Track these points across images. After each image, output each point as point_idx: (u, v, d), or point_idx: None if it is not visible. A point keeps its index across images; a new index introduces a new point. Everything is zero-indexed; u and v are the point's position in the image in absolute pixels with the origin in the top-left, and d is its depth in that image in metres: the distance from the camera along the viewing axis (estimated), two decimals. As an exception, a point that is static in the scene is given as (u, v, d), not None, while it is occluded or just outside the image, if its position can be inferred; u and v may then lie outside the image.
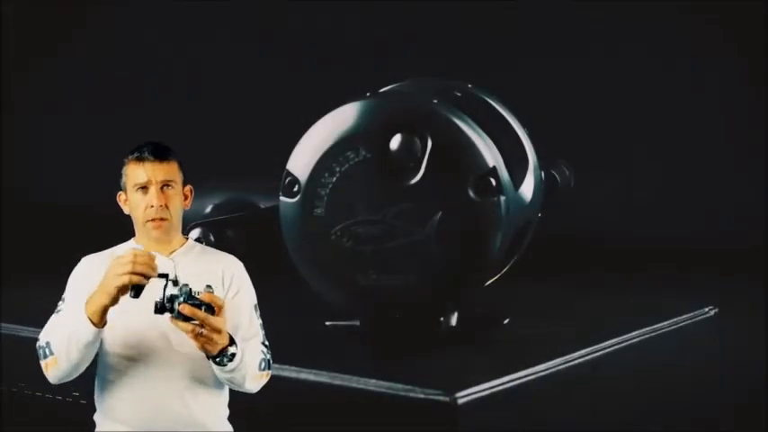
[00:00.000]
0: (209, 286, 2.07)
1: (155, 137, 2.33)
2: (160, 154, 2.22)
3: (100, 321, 2.09)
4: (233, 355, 2.10)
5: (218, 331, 2.06)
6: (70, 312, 2.16)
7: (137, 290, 2.06)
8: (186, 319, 2.03)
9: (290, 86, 4.81)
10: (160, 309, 2.05)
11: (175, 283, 2.06)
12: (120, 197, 2.27)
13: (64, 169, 4.57)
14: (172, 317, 2.05)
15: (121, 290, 2.06)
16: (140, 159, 2.21)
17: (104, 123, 4.65)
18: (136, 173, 2.21)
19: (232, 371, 2.12)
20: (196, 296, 2.04)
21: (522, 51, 4.45)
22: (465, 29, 4.68)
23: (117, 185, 2.27)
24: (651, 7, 4.53)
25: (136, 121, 4.58)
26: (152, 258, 2.07)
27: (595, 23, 4.55)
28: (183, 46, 4.69)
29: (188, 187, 2.28)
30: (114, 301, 2.07)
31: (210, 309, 2.05)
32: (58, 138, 4.63)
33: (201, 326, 2.04)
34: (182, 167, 2.26)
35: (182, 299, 2.03)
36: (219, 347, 2.08)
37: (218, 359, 2.10)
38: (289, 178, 3.38)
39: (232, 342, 2.10)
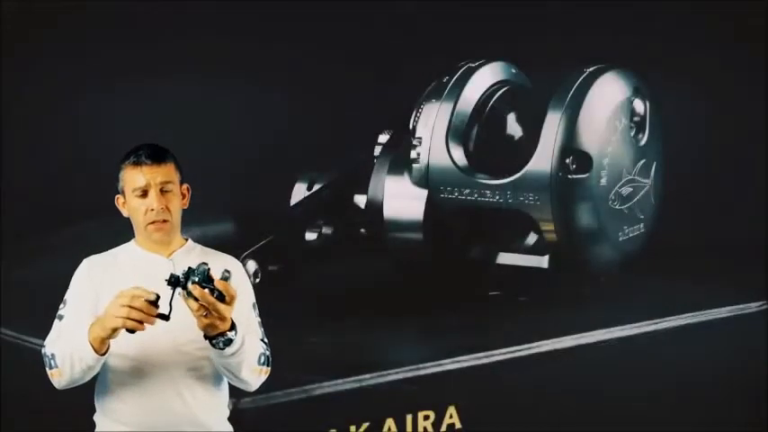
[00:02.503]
0: (227, 271, 2.07)
1: (156, 136, 2.33)
2: (157, 156, 2.22)
3: (100, 349, 2.11)
4: (230, 340, 2.10)
5: (223, 319, 2.07)
6: (73, 318, 2.17)
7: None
8: (196, 297, 2.04)
9: (293, 87, 4.81)
10: (174, 282, 2.04)
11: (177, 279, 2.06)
12: (119, 200, 2.27)
13: (64, 169, 4.57)
14: (183, 293, 2.04)
15: (118, 330, 2.07)
16: (137, 163, 2.21)
17: (105, 123, 4.65)
18: (134, 178, 2.21)
19: (229, 356, 2.12)
20: (211, 279, 2.04)
21: (522, 50, 4.44)
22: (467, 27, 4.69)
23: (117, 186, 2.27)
24: (651, 6, 4.53)
25: (136, 120, 4.58)
26: (150, 306, 2.05)
27: (595, 22, 4.55)
28: (184, 45, 4.68)
29: (185, 186, 2.28)
30: (112, 336, 2.08)
31: (221, 296, 2.05)
32: (58, 137, 4.62)
33: (208, 309, 2.04)
34: (178, 167, 2.26)
35: (196, 278, 2.03)
36: (219, 331, 2.08)
37: (214, 341, 2.10)
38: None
39: (233, 328, 2.10)
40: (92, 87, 4.64)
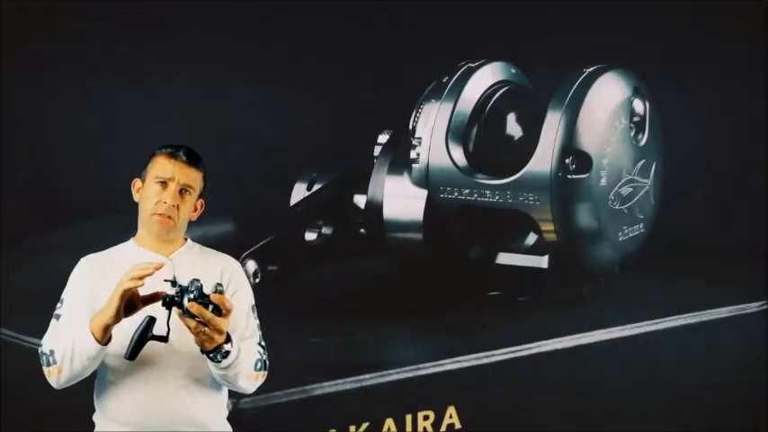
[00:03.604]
0: (219, 284, 2.08)
1: (156, 137, 2.33)
2: (192, 159, 2.25)
3: (102, 338, 2.11)
4: (227, 352, 2.12)
5: (221, 332, 2.08)
6: (70, 317, 2.17)
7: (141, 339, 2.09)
8: (193, 315, 2.04)
9: (293, 87, 4.81)
10: (169, 303, 2.06)
11: (173, 283, 2.07)
12: (135, 184, 2.29)
13: (64, 169, 4.57)
14: (179, 312, 2.06)
15: (125, 298, 2.07)
16: (173, 156, 2.24)
17: (105, 123, 4.65)
18: (163, 166, 2.23)
19: (226, 368, 2.14)
20: (206, 295, 2.06)
21: (522, 50, 4.45)
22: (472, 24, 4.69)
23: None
24: (651, 6, 4.53)
25: (136, 121, 4.58)
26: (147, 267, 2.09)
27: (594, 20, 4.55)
28: (184, 45, 4.68)
29: (200, 201, 2.29)
30: (116, 317, 2.08)
31: (218, 310, 2.06)
32: (58, 138, 4.63)
33: (205, 324, 2.05)
34: (205, 180, 2.28)
35: (192, 295, 2.05)
36: (216, 344, 2.09)
37: (211, 355, 2.11)
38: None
39: (228, 340, 2.11)
40: (92, 87, 4.64)
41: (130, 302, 2.10)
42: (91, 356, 2.13)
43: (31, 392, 3.07)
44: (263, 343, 2.26)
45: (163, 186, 2.23)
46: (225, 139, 4.67)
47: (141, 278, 2.08)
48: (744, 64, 4.47)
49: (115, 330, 2.13)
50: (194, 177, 2.25)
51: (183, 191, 2.23)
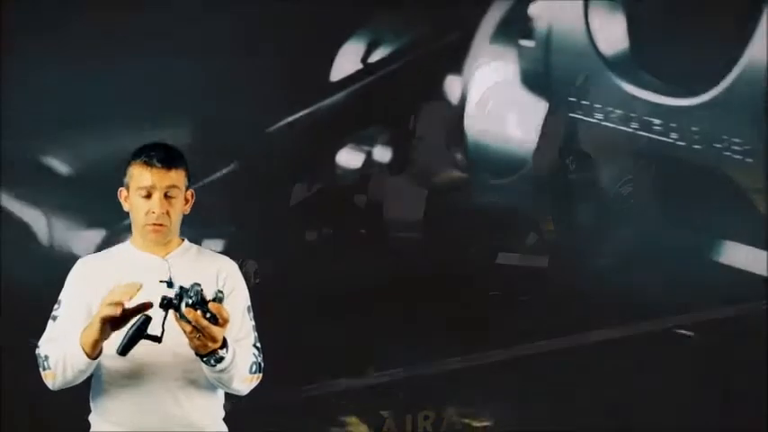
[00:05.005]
0: (220, 292, 2.05)
1: (156, 137, 2.32)
2: (168, 162, 2.19)
3: (92, 353, 2.09)
4: (221, 358, 2.09)
5: (215, 341, 2.05)
6: (67, 320, 2.17)
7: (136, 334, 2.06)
8: (189, 320, 2.02)
9: (292, 87, 4.81)
10: (167, 305, 2.03)
11: (169, 284, 2.05)
12: (122, 194, 2.25)
13: (63, 168, 4.56)
14: (176, 315, 2.03)
15: (106, 322, 2.04)
16: (147, 164, 2.18)
17: (105, 123, 4.64)
18: (141, 176, 2.19)
19: (220, 372, 2.12)
20: (206, 302, 2.02)
21: (522, 49, 4.46)
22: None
23: (114, 188, 2.26)
24: (651, 6, 4.53)
25: (137, 121, 4.58)
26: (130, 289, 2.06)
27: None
28: (184, 45, 4.68)
29: (189, 192, 2.25)
30: (102, 334, 2.05)
31: (215, 318, 2.03)
32: (58, 137, 4.62)
33: (200, 331, 2.03)
34: (187, 173, 2.24)
35: (190, 300, 2.02)
36: (210, 350, 2.07)
37: (205, 359, 2.09)
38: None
39: (224, 345, 2.09)
40: (93, 87, 4.64)
41: (116, 319, 2.05)
42: (81, 369, 2.11)
43: (31, 392, 3.08)
44: (257, 344, 2.23)
45: (147, 196, 2.18)
46: (225, 139, 4.68)
47: (119, 304, 2.03)
48: (744, 63, 4.47)
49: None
50: (176, 178, 2.20)
51: (167, 193, 2.19)
